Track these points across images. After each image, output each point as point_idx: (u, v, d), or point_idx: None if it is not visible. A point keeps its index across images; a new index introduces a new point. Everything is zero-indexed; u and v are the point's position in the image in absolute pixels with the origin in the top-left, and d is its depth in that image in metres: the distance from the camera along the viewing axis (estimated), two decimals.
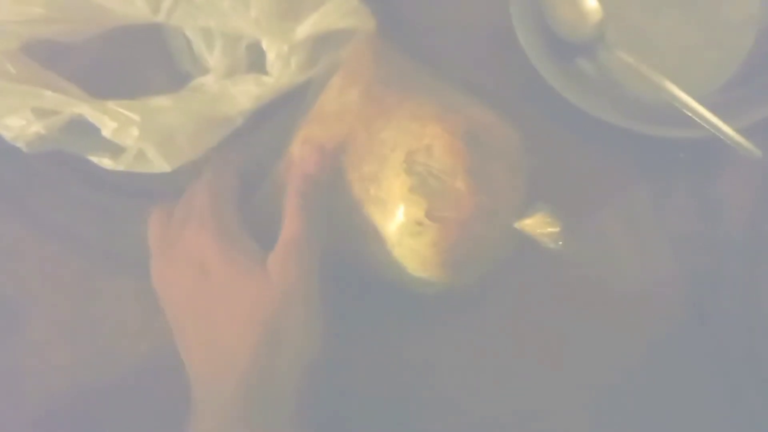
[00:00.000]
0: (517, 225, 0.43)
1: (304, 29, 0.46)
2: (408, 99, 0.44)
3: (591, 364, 0.47)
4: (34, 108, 0.45)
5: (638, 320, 0.48)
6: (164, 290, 0.43)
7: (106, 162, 0.47)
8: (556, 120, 0.51)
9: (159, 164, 0.46)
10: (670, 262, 0.49)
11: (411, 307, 0.47)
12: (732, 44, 0.53)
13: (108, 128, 0.45)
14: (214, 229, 0.41)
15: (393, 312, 0.47)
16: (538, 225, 0.43)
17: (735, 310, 0.48)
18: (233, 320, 0.40)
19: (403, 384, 0.47)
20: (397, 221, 0.42)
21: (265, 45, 0.47)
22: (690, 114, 0.49)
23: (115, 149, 0.46)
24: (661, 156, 0.51)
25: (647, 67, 0.51)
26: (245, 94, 0.46)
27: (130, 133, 0.45)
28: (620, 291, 0.49)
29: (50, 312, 0.50)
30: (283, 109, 0.49)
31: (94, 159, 0.48)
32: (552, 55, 0.52)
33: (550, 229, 0.43)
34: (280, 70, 0.46)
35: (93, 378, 0.48)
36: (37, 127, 0.46)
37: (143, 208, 0.47)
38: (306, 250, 0.41)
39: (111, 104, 0.46)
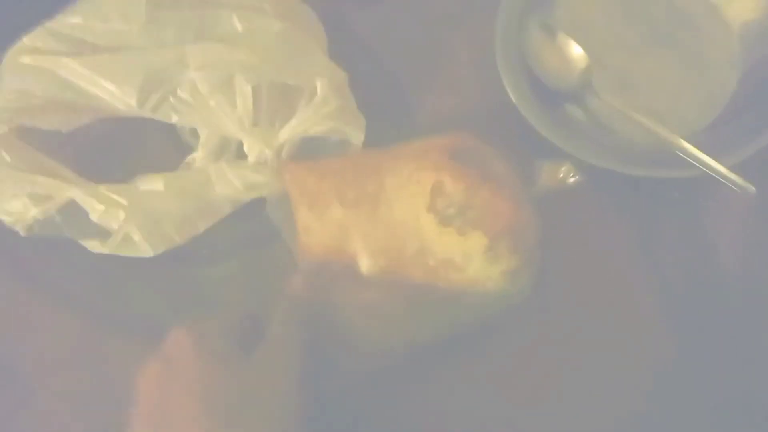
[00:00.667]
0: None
1: (287, 132, 0.48)
2: (382, 174, 0.44)
3: (586, 412, 0.48)
4: (30, 193, 0.47)
5: (634, 363, 0.48)
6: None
7: (93, 245, 0.48)
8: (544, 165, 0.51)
9: (143, 248, 0.46)
10: (661, 305, 0.49)
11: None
12: (717, 83, 0.54)
13: (96, 212, 0.46)
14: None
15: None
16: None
17: (732, 348, 0.48)
18: None
19: None
20: (475, 263, 0.43)
21: (246, 147, 0.48)
22: (679, 153, 0.49)
23: (104, 233, 0.48)
24: (652, 198, 0.51)
25: (635, 110, 0.52)
26: (242, 179, 0.47)
27: (117, 217, 0.46)
28: (611, 334, 0.49)
29: (59, 381, 0.50)
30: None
31: (83, 243, 0.49)
32: (540, 103, 0.53)
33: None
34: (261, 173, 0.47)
35: None
36: (34, 212, 0.47)
37: (149, 271, 0.49)
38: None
39: (102, 188, 0.47)
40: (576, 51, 0.54)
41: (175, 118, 0.47)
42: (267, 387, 0.39)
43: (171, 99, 0.47)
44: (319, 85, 0.48)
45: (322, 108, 0.48)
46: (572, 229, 0.51)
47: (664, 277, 0.50)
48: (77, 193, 0.47)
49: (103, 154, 0.52)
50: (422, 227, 0.43)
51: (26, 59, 0.47)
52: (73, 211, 0.48)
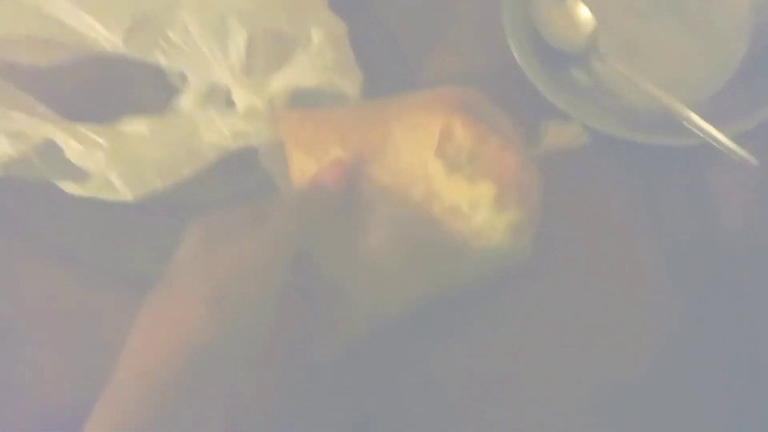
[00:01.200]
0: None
1: (279, 83, 0.46)
2: (387, 121, 0.43)
3: (589, 375, 0.47)
4: (7, 130, 0.45)
5: (636, 327, 0.48)
6: None
7: (69, 186, 0.46)
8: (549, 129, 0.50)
9: (123, 192, 0.45)
10: (666, 269, 0.49)
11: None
12: (724, 52, 0.53)
13: (73, 151, 0.45)
14: None
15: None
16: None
17: (733, 316, 0.48)
18: None
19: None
20: (482, 213, 0.42)
21: (235, 96, 0.47)
22: (684, 122, 0.49)
23: (84, 175, 0.46)
24: (656, 163, 0.50)
25: (640, 76, 0.51)
26: (231, 127, 0.46)
27: (96, 158, 0.45)
28: (617, 298, 0.49)
29: (47, 333, 0.49)
30: None
31: (59, 183, 0.47)
32: (545, 66, 0.52)
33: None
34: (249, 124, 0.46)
35: (92, 396, 0.47)
36: (9, 150, 0.45)
37: (140, 223, 0.47)
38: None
39: (81, 127, 0.45)
40: (584, 13, 0.53)
41: (163, 60, 0.45)
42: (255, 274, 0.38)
43: (159, 40, 0.45)
44: (316, 36, 0.46)
45: (318, 59, 0.46)
46: (574, 192, 0.51)
47: (667, 241, 0.50)
48: (55, 131, 0.45)
49: (86, 94, 0.51)
50: (430, 173, 0.42)
51: None
52: (51, 151, 0.46)
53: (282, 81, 0.46)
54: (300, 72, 0.46)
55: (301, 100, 0.48)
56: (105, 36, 0.45)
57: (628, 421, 0.46)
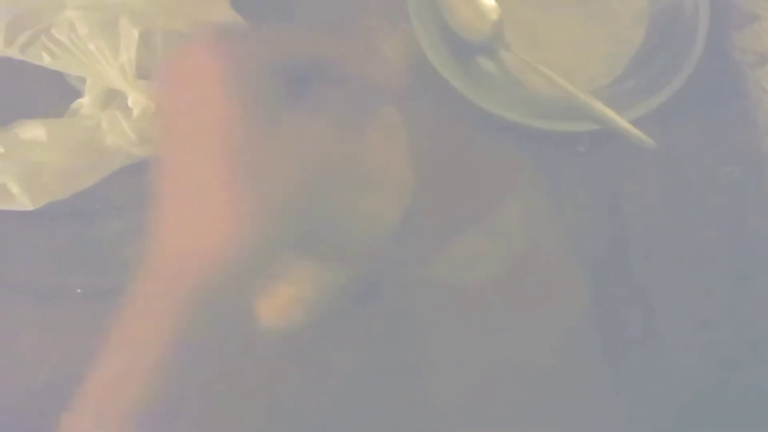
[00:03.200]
0: None
1: None
2: None
3: (497, 366, 0.48)
4: None
5: (541, 314, 0.49)
6: None
7: None
8: (455, 118, 0.52)
9: (22, 201, 0.44)
10: (570, 254, 0.50)
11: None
12: (623, 38, 0.55)
13: None
14: None
15: None
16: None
17: (635, 299, 0.50)
18: None
19: None
20: None
21: (130, 100, 0.45)
22: (585, 108, 0.50)
23: None
24: (560, 150, 0.52)
25: (544, 64, 0.52)
26: (137, 130, 0.45)
27: None
28: (522, 285, 0.50)
29: None
30: None
31: None
32: (452, 54, 0.53)
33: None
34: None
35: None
36: None
37: (39, 232, 0.46)
38: None
39: None
40: (488, 2, 0.53)
41: (47, 60, 0.44)
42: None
43: (43, 38, 0.43)
44: None
45: None
46: (481, 178, 0.52)
47: (571, 223, 0.51)
48: None
49: None
50: None
51: None
52: None
53: None
54: None
55: None
56: None
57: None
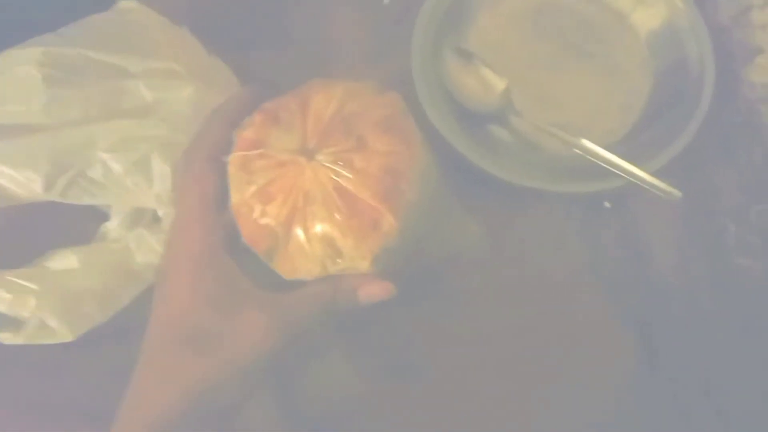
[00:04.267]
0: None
1: None
2: None
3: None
4: None
5: (585, 366, 0.49)
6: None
7: (5, 337, 0.46)
8: (476, 191, 0.51)
9: (62, 333, 0.45)
10: (611, 310, 0.50)
11: None
12: (632, 90, 0.56)
13: (3, 301, 0.44)
14: (187, 242, 0.39)
15: None
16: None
17: (676, 349, 0.49)
18: None
19: None
20: None
21: (161, 213, 0.47)
22: (606, 165, 0.50)
23: (17, 322, 0.45)
24: (587, 207, 0.53)
25: (556, 125, 0.52)
26: (164, 243, 0.45)
27: (27, 304, 0.44)
28: (564, 346, 0.50)
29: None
30: None
31: None
32: (463, 127, 0.53)
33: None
34: None
35: None
36: None
37: (83, 357, 0.46)
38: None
39: (7, 275, 0.45)
40: (494, 73, 0.54)
41: (87, 200, 0.45)
42: None
43: (81, 181, 0.45)
44: None
45: None
46: (512, 246, 0.52)
47: (608, 283, 0.51)
48: None
49: (7, 234, 0.50)
50: None
51: None
52: None
53: None
54: None
55: None
56: (23, 186, 0.45)
57: None
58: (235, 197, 0.39)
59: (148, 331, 0.39)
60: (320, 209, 0.38)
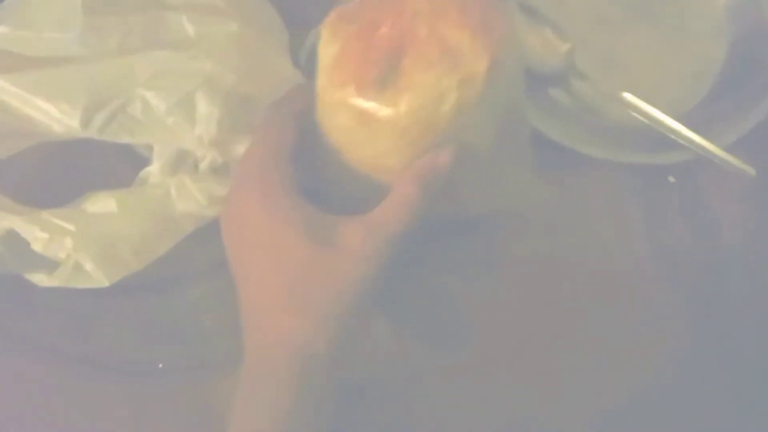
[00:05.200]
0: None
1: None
2: None
3: (590, 395, 0.46)
4: None
5: (645, 349, 0.47)
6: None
7: (41, 278, 0.45)
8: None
9: (97, 278, 0.43)
10: (673, 287, 0.48)
11: None
12: (705, 56, 0.53)
13: (38, 241, 0.43)
14: (259, 191, 0.38)
15: None
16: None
17: (745, 326, 0.47)
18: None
19: None
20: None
21: (200, 155, 0.45)
22: (672, 135, 0.47)
23: (53, 264, 0.44)
24: (650, 180, 0.50)
25: (622, 90, 0.49)
26: (206, 193, 0.44)
27: (63, 245, 0.43)
28: (626, 322, 0.48)
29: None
30: None
31: (28, 276, 0.45)
32: (525, 89, 0.50)
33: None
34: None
35: None
36: None
37: (118, 307, 0.46)
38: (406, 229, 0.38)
39: (45, 214, 0.44)
40: (557, 32, 0.51)
41: (125, 139, 0.44)
42: None
43: (119, 117, 0.43)
44: None
45: None
46: (568, 215, 0.50)
47: (667, 261, 0.49)
48: (16, 221, 0.43)
49: (45, 173, 0.49)
50: None
51: None
52: (14, 242, 0.44)
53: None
54: None
55: None
56: (60, 120, 0.43)
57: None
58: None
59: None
60: (430, 16, 0.37)
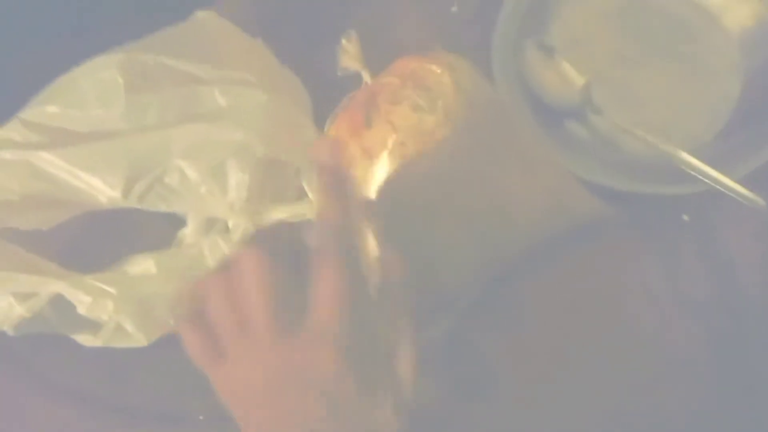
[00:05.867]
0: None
1: (275, 217, 0.48)
2: None
3: None
4: (14, 292, 0.46)
5: (667, 390, 0.48)
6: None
7: (85, 339, 0.48)
8: None
9: (137, 338, 0.46)
10: (692, 328, 0.49)
11: None
12: (720, 93, 0.54)
13: (83, 304, 0.46)
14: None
15: None
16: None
17: (758, 373, 0.48)
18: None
19: None
20: None
21: (231, 224, 0.48)
22: (687, 168, 0.49)
23: (96, 325, 0.47)
24: (665, 217, 0.51)
25: (638, 125, 0.51)
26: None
27: (105, 307, 0.46)
28: (646, 363, 0.48)
29: None
30: None
31: (75, 337, 0.48)
32: (541, 122, 0.52)
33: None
34: None
35: None
36: (20, 311, 0.47)
37: (157, 358, 0.48)
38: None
39: (88, 279, 0.47)
40: (575, 68, 0.52)
41: (163, 207, 0.47)
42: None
43: (157, 187, 0.47)
44: (311, 170, 0.46)
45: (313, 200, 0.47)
46: (583, 250, 0.50)
47: (683, 296, 0.49)
48: (62, 286, 0.46)
49: (89, 237, 0.52)
50: None
51: (0, 153, 0.47)
52: (61, 304, 0.47)
53: (278, 215, 0.47)
54: (296, 211, 0.47)
55: None
56: (103, 191, 0.46)
57: None
58: None
59: None
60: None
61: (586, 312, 0.49)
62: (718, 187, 0.48)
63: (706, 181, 0.49)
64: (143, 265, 0.47)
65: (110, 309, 0.45)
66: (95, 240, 0.52)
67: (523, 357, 0.48)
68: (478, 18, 0.56)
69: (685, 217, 0.51)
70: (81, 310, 0.46)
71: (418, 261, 0.43)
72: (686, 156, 0.50)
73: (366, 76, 0.45)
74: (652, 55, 0.55)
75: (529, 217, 0.45)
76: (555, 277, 0.49)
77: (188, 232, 0.49)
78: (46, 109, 0.47)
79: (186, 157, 0.46)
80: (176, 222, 0.50)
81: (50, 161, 0.46)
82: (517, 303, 0.49)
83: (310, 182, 0.48)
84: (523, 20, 0.55)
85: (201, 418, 0.49)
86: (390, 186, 0.43)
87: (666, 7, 0.55)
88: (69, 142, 0.46)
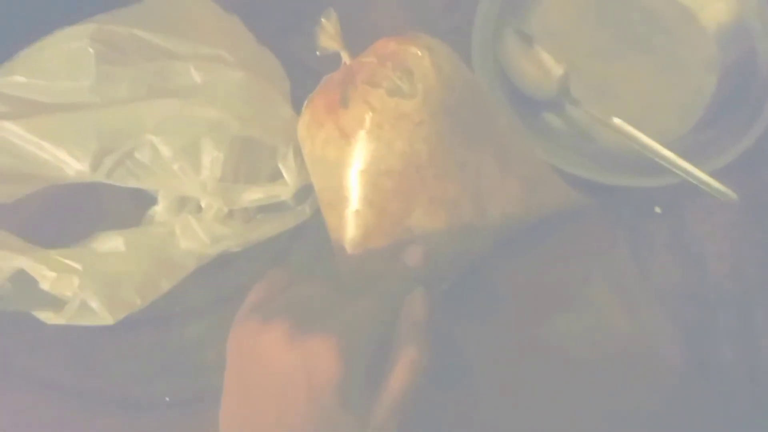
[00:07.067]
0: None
1: (249, 198, 0.47)
2: None
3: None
4: None
5: (637, 381, 0.48)
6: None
7: (48, 316, 0.46)
8: None
9: (103, 316, 0.45)
10: (662, 318, 0.49)
11: None
12: (694, 87, 0.55)
13: (46, 280, 0.45)
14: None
15: None
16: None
17: (734, 359, 0.48)
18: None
19: None
20: None
21: (203, 204, 0.47)
22: (661, 161, 0.49)
23: (60, 302, 0.46)
24: (637, 209, 0.52)
25: (614, 117, 0.51)
26: (208, 232, 0.46)
27: (71, 284, 0.45)
28: (615, 354, 0.49)
29: None
30: None
31: (37, 314, 0.47)
32: (518, 111, 0.52)
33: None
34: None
35: None
36: None
37: (121, 341, 0.47)
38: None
39: (53, 253, 0.45)
40: (553, 58, 0.52)
41: (132, 183, 0.46)
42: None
43: (128, 163, 0.45)
44: (284, 145, 0.46)
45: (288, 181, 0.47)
46: (557, 239, 0.50)
47: (658, 290, 0.50)
48: (25, 261, 0.45)
49: (54, 213, 0.50)
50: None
51: None
52: (22, 280, 0.46)
53: (252, 199, 0.47)
54: (271, 193, 0.47)
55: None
56: (70, 164, 0.45)
57: None
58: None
59: None
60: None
61: (559, 301, 0.49)
62: (690, 180, 0.49)
63: (679, 173, 0.49)
64: (111, 243, 0.46)
65: (75, 285, 0.44)
66: (61, 216, 0.50)
67: (498, 346, 0.48)
68: (457, 4, 0.56)
69: (658, 209, 0.51)
70: (44, 285, 0.44)
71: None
72: (660, 148, 0.50)
73: (345, 57, 0.44)
74: (629, 48, 0.55)
75: (504, 205, 0.45)
76: (528, 266, 0.49)
77: (159, 210, 0.48)
78: (12, 78, 0.45)
79: (158, 133, 0.44)
80: (144, 201, 0.49)
81: (14, 132, 0.44)
82: (492, 292, 0.49)
83: (286, 163, 0.47)
84: (503, 8, 0.55)
85: (167, 399, 0.48)
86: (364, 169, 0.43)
87: (643, 1, 0.56)
88: (35, 113, 0.44)
